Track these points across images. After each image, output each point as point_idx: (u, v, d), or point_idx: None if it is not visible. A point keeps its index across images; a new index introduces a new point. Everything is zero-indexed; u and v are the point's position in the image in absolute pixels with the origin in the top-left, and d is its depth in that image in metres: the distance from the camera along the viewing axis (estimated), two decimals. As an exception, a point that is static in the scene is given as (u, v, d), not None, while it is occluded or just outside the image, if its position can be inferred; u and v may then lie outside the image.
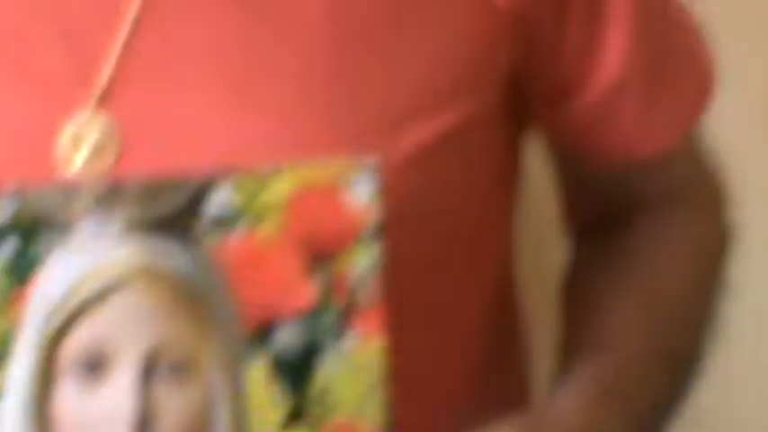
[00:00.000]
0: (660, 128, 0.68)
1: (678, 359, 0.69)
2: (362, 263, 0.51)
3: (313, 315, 0.51)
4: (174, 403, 0.50)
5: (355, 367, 0.51)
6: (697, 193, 0.74)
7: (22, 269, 0.49)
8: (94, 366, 0.50)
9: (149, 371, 0.49)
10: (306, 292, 0.51)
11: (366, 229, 0.51)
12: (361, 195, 0.51)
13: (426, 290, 0.61)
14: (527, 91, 0.65)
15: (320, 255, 0.51)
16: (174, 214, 0.50)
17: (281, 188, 0.50)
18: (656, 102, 0.67)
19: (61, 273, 0.49)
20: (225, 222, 0.50)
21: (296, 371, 0.51)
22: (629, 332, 0.67)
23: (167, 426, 0.50)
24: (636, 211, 0.72)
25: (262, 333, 0.51)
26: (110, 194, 0.50)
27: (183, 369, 0.50)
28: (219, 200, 0.50)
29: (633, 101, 0.66)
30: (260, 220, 0.50)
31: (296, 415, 0.51)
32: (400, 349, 0.53)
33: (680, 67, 0.69)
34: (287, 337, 0.51)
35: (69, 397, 0.50)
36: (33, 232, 0.49)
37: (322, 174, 0.51)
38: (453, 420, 0.63)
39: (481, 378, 0.69)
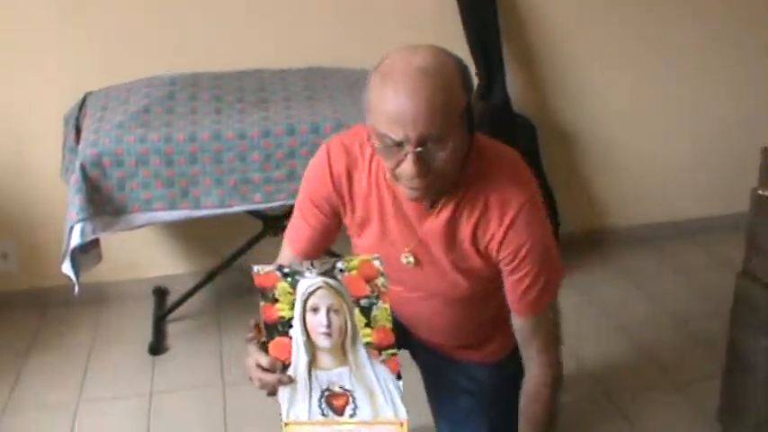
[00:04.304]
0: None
1: None
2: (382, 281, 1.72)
3: (374, 296, 1.74)
4: (336, 319, 1.77)
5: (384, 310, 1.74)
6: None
7: (295, 286, 1.76)
8: (316, 311, 1.78)
9: (330, 312, 1.77)
10: (368, 290, 1.74)
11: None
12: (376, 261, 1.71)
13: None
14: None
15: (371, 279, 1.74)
16: (327, 268, 1.75)
17: (354, 262, 1.72)
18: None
19: (304, 283, 1.77)
20: (340, 270, 1.73)
21: (368, 311, 1.75)
22: None
23: (335, 326, 1.77)
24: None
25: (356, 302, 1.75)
26: (316, 266, 1.75)
27: (335, 311, 1.77)
28: (338, 264, 1.73)
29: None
30: (349, 270, 1.73)
31: (367, 324, 1.76)
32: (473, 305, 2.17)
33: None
34: (364, 301, 1.75)
35: (310, 320, 1.78)
36: (299, 274, 1.75)
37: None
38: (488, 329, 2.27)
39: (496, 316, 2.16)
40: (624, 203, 4.19)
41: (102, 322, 3.59)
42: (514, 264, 1.96)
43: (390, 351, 1.76)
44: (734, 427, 2.65)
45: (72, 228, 2.86)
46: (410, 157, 1.76)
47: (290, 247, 2.13)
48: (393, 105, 1.73)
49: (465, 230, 1.97)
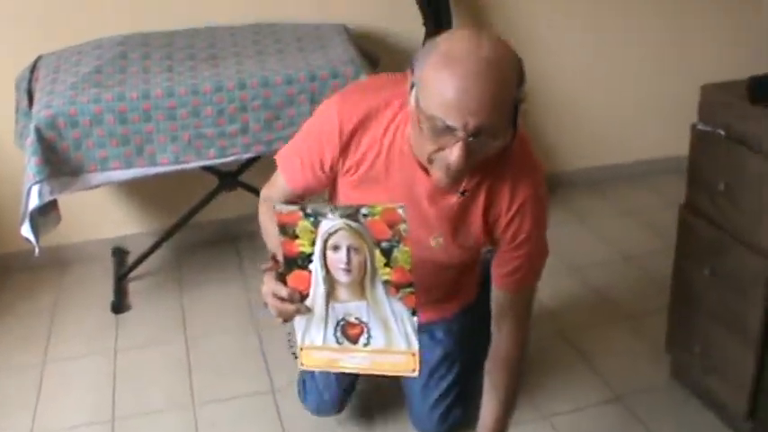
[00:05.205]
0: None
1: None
2: (404, 227, 1.75)
3: (395, 239, 1.76)
4: (356, 258, 1.79)
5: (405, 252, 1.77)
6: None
7: (316, 225, 1.77)
8: (336, 249, 1.79)
9: (350, 251, 1.79)
10: (390, 233, 1.75)
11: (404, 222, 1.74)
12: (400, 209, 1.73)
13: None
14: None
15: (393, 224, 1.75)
16: (351, 212, 1.74)
17: (378, 209, 1.74)
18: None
19: (326, 224, 1.76)
20: (363, 215, 1.74)
21: (389, 252, 1.78)
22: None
23: (355, 262, 1.80)
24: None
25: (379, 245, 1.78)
26: (339, 210, 1.76)
27: (356, 250, 1.79)
28: (362, 209, 1.74)
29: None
30: (372, 215, 1.74)
31: (387, 264, 1.79)
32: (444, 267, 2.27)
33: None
34: (384, 244, 1.76)
35: (330, 257, 1.80)
36: (322, 215, 1.76)
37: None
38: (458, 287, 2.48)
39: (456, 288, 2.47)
40: (572, 148, 4.27)
41: (63, 284, 3.62)
42: (512, 245, 2.08)
43: (408, 289, 1.83)
44: (681, 356, 2.75)
45: (30, 189, 2.88)
46: (460, 145, 1.75)
47: (285, 181, 2.16)
48: (455, 91, 1.71)
49: (476, 212, 2.06)
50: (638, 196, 4.20)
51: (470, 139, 1.74)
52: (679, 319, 2.71)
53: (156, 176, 3.06)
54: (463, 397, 2.58)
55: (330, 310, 1.88)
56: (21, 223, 2.95)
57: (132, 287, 3.56)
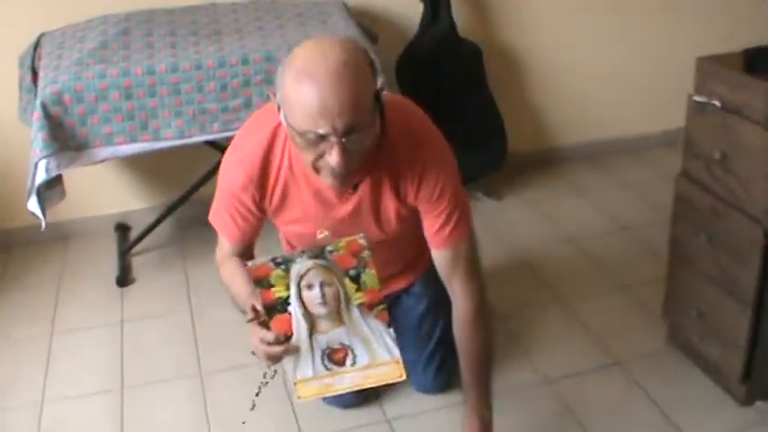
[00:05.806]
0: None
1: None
2: (367, 253, 1.91)
3: (361, 266, 1.92)
4: (329, 291, 1.94)
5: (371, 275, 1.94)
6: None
7: (288, 271, 1.90)
8: (310, 287, 1.93)
9: (323, 286, 1.92)
10: (355, 262, 1.92)
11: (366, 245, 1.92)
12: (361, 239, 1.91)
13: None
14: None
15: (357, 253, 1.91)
16: (317, 252, 1.90)
17: (342, 243, 1.90)
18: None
19: (297, 267, 1.90)
20: (329, 252, 1.90)
21: (357, 278, 1.93)
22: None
23: (329, 294, 1.93)
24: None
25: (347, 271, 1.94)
26: (306, 252, 1.90)
27: (328, 284, 1.93)
28: (327, 247, 1.90)
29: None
30: (337, 250, 1.90)
31: (358, 289, 1.94)
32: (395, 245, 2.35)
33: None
34: (352, 272, 1.92)
35: (306, 295, 1.93)
36: (291, 261, 1.89)
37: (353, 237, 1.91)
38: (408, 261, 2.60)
39: (417, 251, 2.51)
40: (569, 123, 4.31)
41: (67, 259, 3.67)
42: (431, 202, 2.15)
43: (380, 307, 1.97)
44: (678, 320, 2.81)
45: (36, 164, 2.93)
46: (336, 149, 1.84)
47: (227, 241, 2.28)
48: (316, 100, 1.79)
49: (387, 197, 2.15)
50: (634, 169, 4.26)
51: (343, 139, 1.84)
52: (676, 285, 2.77)
53: (161, 151, 3.10)
54: (450, 349, 2.63)
55: (314, 342, 1.99)
56: (27, 198, 2.99)
57: (136, 261, 3.61)
